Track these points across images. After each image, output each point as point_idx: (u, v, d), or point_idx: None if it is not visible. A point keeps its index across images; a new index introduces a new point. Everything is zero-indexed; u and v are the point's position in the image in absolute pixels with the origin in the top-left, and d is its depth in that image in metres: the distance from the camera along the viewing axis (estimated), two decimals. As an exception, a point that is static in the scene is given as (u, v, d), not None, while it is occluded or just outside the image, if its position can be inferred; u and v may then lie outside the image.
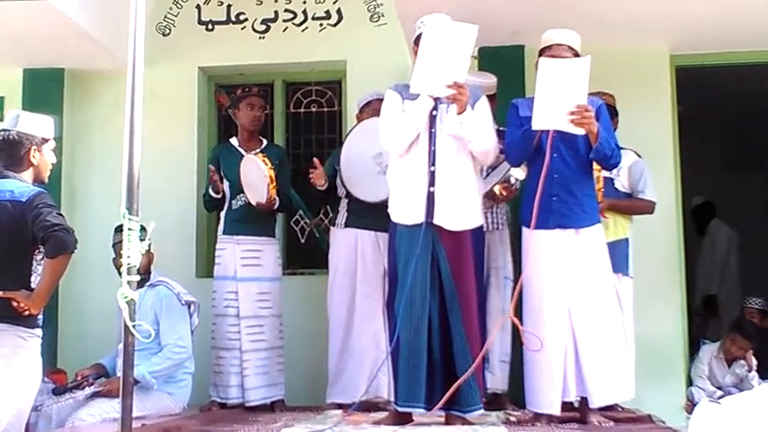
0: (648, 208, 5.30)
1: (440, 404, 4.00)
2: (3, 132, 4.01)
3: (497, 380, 5.14)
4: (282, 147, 6.11)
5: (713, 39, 5.96)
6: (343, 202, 5.37)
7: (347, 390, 5.13)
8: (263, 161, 5.20)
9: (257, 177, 5.21)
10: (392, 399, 4.88)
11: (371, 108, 5.37)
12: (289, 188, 5.64)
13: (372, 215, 5.10)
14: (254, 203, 5.27)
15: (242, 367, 5.30)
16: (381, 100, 5.24)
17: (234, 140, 5.62)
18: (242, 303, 5.35)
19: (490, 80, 5.23)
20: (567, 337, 4.25)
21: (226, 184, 5.48)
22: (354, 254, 5.26)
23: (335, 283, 5.31)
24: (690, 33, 5.87)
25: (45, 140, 4.08)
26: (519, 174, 4.74)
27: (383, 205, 4.62)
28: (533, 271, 4.30)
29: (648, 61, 6.10)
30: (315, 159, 5.36)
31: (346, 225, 5.33)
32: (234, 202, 5.45)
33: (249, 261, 5.40)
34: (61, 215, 3.91)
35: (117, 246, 4.79)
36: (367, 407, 4.87)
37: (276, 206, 5.34)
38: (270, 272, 5.47)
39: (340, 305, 5.26)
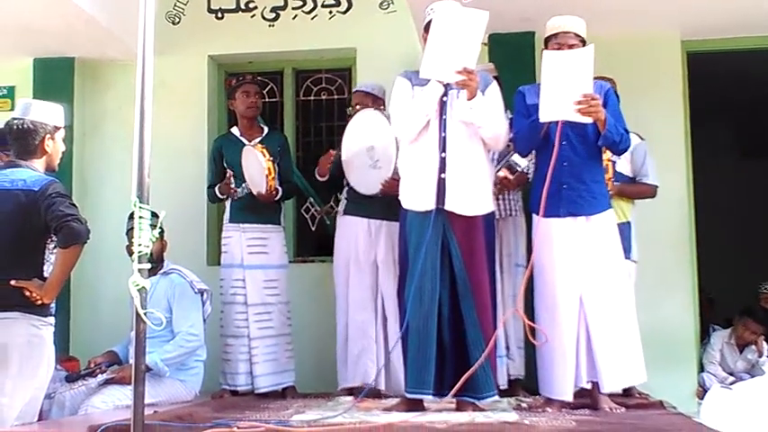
0: (651, 192, 5.28)
1: (452, 392, 4.01)
2: (16, 121, 4.01)
3: (517, 366, 5.18)
4: (284, 134, 6.12)
5: (725, 24, 5.93)
6: (345, 190, 5.39)
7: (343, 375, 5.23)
8: (262, 152, 5.21)
9: (256, 169, 5.22)
10: (382, 386, 4.95)
11: (355, 101, 5.44)
12: (292, 176, 5.66)
13: (366, 202, 5.14)
14: (255, 194, 5.28)
15: (250, 354, 5.32)
16: (362, 93, 5.34)
17: (235, 130, 5.62)
18: (249, 291, 5.36)
19: (487, 65, 5.24)
20: (579, 323, 4.25)
21: (229, 173, 5.50)
22: (350, 241, 5.28)
23: (337, 270, 5.35)
24: (701, 19, 5.84)
25: (57, 128, 4.08)
26: (520, 161, 4.73)
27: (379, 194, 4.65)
28: (545, 259, 4.28)
29: (660, 47, 6.07)
30: (332, 151, 5.38)
31: (345, 213, 5.36)
32: (239, 190, 5.45)
33: (255, 249, 5.41)
34: (74, 205, 3.92)
35: (130, 232, 4.81)
36: (375, 393, 4.92)
37: (279, 196, 5.35)
38: (276, 259, 5.48)
39: (341, 292, 5.31)
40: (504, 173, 4.86)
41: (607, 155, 4.64)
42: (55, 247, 3.89)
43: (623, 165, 5.19)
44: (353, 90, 5.59)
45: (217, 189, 5.49)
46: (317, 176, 5.43)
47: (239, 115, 5.61)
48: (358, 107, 5.33)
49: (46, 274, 3.91)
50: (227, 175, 5.46)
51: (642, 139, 5.28)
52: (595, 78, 4.23)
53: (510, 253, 5.17)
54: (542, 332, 4.09)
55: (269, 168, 5.18)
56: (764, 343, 6.72)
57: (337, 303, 5.34)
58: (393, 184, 4.90)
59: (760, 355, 6.67)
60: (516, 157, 4.74)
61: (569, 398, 4.26)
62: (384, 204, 5.07)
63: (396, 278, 5.03)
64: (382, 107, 5.33)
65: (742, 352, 6.71)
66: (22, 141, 4.01)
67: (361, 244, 5.23)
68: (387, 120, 4.98)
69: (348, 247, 5.28)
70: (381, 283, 5.19)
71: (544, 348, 4.26)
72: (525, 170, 4.99)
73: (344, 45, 6.39)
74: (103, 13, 5.78)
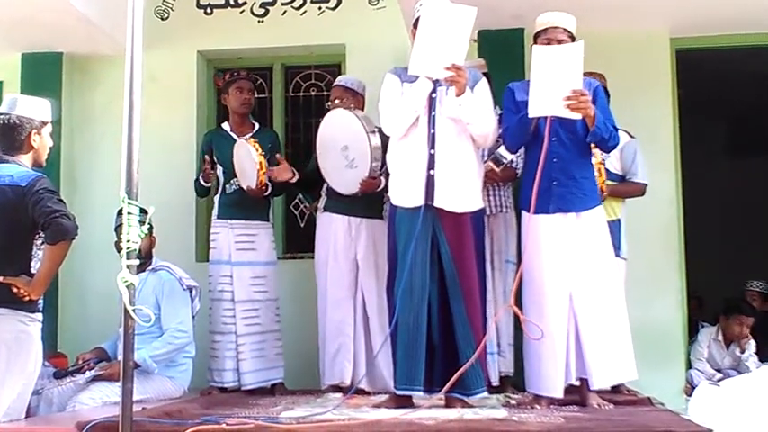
0: (641, 190, 5.31)
1: (445, 389, 4.01)
2: (2, 117, 4.00)
3: (507, 362, 5.18)
4: (275, 131, 6.10)
5: (714, 21, 5.94)
6: (324, 187, 5.37)
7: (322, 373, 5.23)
8: (255, 147, 5.20)
9: (248, 163, 5.21)
10: (361, 385, 4.95)
11: (334, 96, 5.40)
12: None
13: (345, 199, 5.13)
14: (245, 188, 5.27)
15: (237, 351, 5.31)
16: (341, 88, 5.32)
17: (226, 125, 5.61)
18: (236, 287, 5.35)
19: (478, 61, 5.24)
20: (569, 320, 4.26)
21: (219, 169, 5.49)
22: (329, 238, 5.26)
23: (318, 267, 5.33)
24: (690, 16, 5.85)
25: (44, 123, 4.07)
26: (506, 154, 4.73)
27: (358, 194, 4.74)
28: (534, 256, 4.28)
29: (648, 44, 6.09)
30: (278, 155, 5.36)
31: (325, 209, 5.34)
32: (227, 186, 5.45)
33: (243, 245, 5.40)
34: (62, 201, 3.91)
35: (119, 229, 4.79)
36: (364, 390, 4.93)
37: (268, 192, 5.34)
38: (264, 256, 5.47)
39: (321, 289, 5.29)
40: (489, 165, 4.87)
41: (598, 158, 4.66)
42: (43, 243, 3.88)
43: (613, 163, 5.21)
44: (333, 85, 5.55)
45: (200, 177, 5.46)
46: (288, 181, 5.38)
47: (232, 111, 5.59)
48: (337, 102, 5.31)
49: (33, 271, 3.90)
50: (206, 160, 5.42)
51: (632, 137, 5.30)
52: (584, 75, 4.24)
53: (500, 249, 5.16)
54: (537, 327, 4.09)
55: (260, 163, 5.16)
56: (751, 340, 6.74)
57: (318, 301, 5.33)
58: (371, 182, 4.90)
59: (742, 351, 6.70)
60: (503, 150, 4.74)
61: (560, 394, 4.26)
62: (364, 202, 5.07)
63: (377, 276, 5.04)
64: (357, 104, 5.31)
65: (728, 348, 6.74)
66: (8, 137, 3.99)
67: (341, 241, 5.21)
68: (357, 118, 4.96)
69: (327, 244, 5.26)
70: (362, 281, 5.17)
71: (532, 345, 4.26)
72: (512, 164, 4.99)
73: (334, 41, 6.38)
74: (92, 8, 5.76)
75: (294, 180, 5.36)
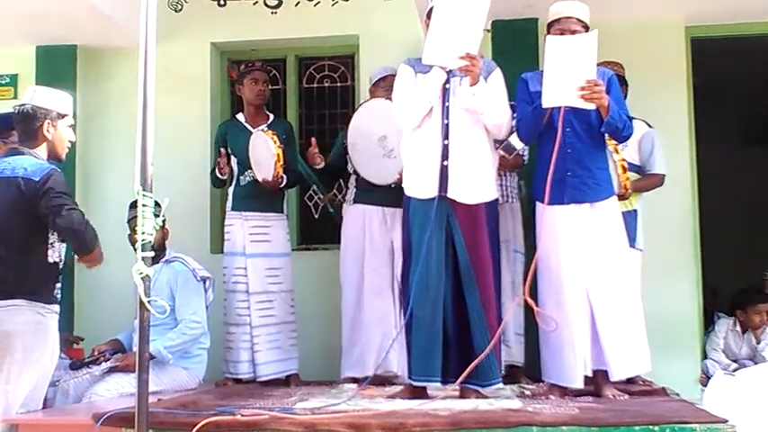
0: (660, 181, 5.28)
1: (460, 379, 4.00)
2: (19, 106, 4.02)
3: (513, 353, 5.16)
4: (289, 122, 6.10)
5: (729, 10, 5.91)
6: (352, 179, 5.39)
7: (358, 364, 5.16)
8: (272, 138, 5.19)
9: (265, 155, 5.20)
10: (400, 373, 4.91)
11: (386, 83, 5.33)
12: (296, 164, 5.64)
13: (378, 190, 5.14)
14: (260, 180, 5.27)
15: (252, 343, 5.31)
16: (392, 76, 5.23)
17: (240, 116, 5.61)
18: (251, 279, 5.35)
19: None
20: (586, 311, 4.25)
21: (233, 161, 5.50)
22: (362, 229, 5.26)
23: (346, 258, 5.33)
24: (705, 5, 5.82)
25: (61, 116, 4.06)
26: (517, 143, 4.71)
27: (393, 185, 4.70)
28: (550, 247, 4.26)
29: (663, 33, 6.06)
30: (312, 139, 5.39)
31: (355, 201, 5.34)
32: (242, 178, 5.45)
33: (258, 237, 5.40)
34: (70, 195, 3.92)
35: (132, 221, 4.82)
36: (380, 381, 4.91)
37: (283, 184, 5.35)
38: (279, 248, 5.47)
39: (350, 280, 5.28)
40: (500, 153, 4.85)
41: (620, 154, 4.63)
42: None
43: (631, 153, 5.17)
44: (381, 77, 5.44)
45: (216, 170, 5.48)
46: (314, 166, 5.45)
47: (246, 102, 5.59)
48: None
49: (50, 259, 3.91)
50: (222, 153, 5.44)
51: (650, 126, 5.26)
52: (602, 64, 4.22)
53: (508, 239, 5.14)
54: (552, 319, 4.07)
55: (278, 155, 5.16)
56: (768, 329, 6.72)
57: (344, 292, 5.33)
58: None
59: (758, 342, 6.68)
60: (514, 139, 4.72)
61: (580, 385, 4.24)
62: (396, 192, 5.06)
63: None
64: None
65: (744, 334, 6.71)
66: (23, 126, 4.01)
67: (377, 232, 5.22)
68: None
69: (362, 235, 5.25)
70: (397, 270, 5.15)
71: (551, 335, 4.24)
72: (521, 152, 4.98)
73: (347, 32, 6.37)
74: (106, 0, 5.77)
75: (321, 166, 5.41)
